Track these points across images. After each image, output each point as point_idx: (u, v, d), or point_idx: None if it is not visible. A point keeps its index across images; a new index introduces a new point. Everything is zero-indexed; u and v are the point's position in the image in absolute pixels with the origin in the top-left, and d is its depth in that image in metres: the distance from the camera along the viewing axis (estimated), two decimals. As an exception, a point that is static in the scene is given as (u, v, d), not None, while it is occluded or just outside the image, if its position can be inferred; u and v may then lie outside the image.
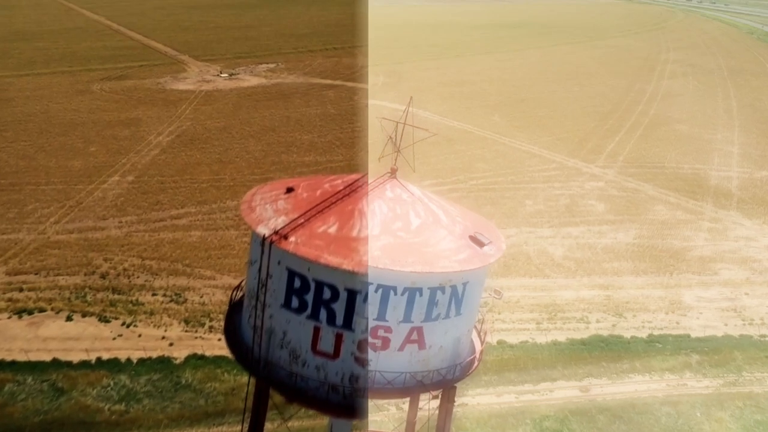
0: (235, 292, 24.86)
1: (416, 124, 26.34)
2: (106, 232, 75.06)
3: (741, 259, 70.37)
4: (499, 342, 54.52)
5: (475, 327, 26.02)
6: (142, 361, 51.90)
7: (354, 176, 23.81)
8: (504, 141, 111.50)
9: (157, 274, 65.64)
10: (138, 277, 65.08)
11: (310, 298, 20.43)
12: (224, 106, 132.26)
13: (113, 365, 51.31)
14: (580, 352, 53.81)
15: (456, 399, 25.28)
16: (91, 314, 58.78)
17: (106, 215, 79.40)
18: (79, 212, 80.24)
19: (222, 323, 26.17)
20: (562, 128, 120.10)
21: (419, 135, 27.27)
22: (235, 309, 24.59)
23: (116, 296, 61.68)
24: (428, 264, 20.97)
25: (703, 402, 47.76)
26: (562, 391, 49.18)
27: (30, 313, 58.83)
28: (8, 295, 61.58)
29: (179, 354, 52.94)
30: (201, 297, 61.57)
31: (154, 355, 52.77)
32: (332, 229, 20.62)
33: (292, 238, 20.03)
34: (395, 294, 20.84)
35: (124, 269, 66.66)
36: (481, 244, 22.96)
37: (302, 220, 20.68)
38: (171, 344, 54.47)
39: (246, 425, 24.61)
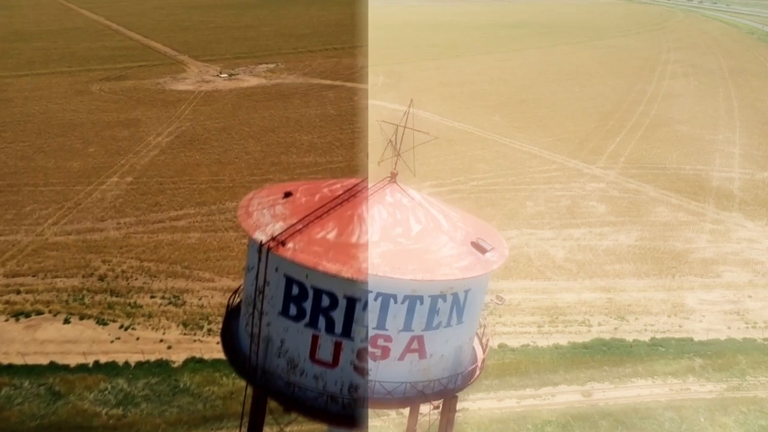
0: (232, 298, 24.40)
1: (416, 127, 25.88)
2: (104, 233, 74.58)
3: (743, 261, 69.88)
4: (500, 345, 54.03)
5: (477, 334, 25.59)
6: (140, 365, 51.40)
7: (353, 180, 23.34)
8: (504, 142, 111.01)
9: (155, 276, 65.14)
10: (136, 279, 64.59)
11: (308, 305, 19.98)
12: (224, 107, 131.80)
13: (111, 369, 50.82)
14: (582, 356, 53.31)
15: (457, 406, 24.83)
16: (89, 317, 58.28)
17: (105, 216, 78.90)
18: (77, 213, 79.76)
19: (221, 326, 25.69)
20: (563, 129, 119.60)
21: (420, 138, 26.80)
22: (232, 315, 24.14)
23: (114, 298, 61.20)
24: (429, 271, 20.51)
25: (707, 407, 47.25)
26: (564, 396, 48.69)
27: (27, 315, 58.34)
28: (5, 297, 61.09)
29: (177, 357, 52.44)
30: (200, 299, 61.08)
31: (152, 358, 52.26)
32: (331, 235, 20.16)
33: (289, 245, 19.57)
34: (395, 302, 20.39)
35: (123, 271, 66.18)
36: (483, 251, 22.50)
37: (300, 226, 20.22)
38: (169, 347, 53.97)
39: (244, 430, 24.19)
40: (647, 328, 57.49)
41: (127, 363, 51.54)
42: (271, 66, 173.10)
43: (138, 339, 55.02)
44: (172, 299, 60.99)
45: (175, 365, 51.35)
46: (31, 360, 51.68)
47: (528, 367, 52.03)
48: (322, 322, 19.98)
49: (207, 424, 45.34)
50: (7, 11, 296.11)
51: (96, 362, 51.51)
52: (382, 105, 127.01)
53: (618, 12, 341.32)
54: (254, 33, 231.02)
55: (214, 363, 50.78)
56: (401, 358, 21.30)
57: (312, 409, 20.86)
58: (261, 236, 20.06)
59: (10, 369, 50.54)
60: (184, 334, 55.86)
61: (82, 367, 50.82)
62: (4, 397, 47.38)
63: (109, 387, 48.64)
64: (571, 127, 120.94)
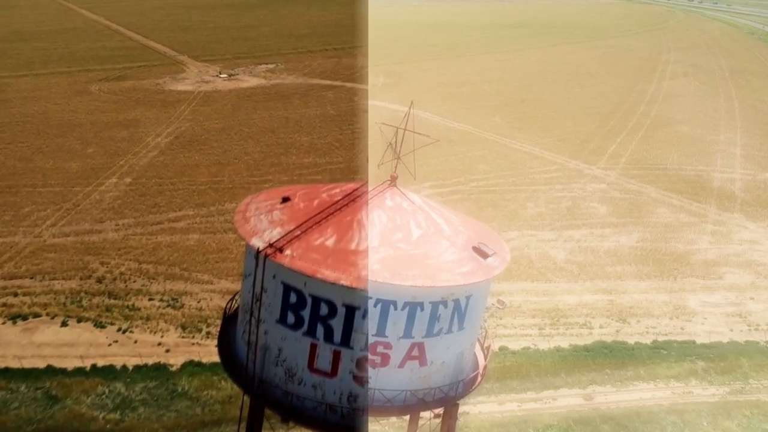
0: (229, 305, 23.98)
1: (417, 128, 25.47)
2: (102, 235, 74.14)
3: (745, 263, 69.49)
4: (501, 348, 53.60)
5: (478, 339, 25.18)
6: (137, 368, 50.98)
7: (353, 185, 22.93)
8: (505, 142, 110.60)
9: (154, 279, 64.72)
10: (135, 282, 64.16)
11: (306, 313, 19.56)
12: (223, 107, 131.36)
13: (108, 372, 50.40)
14: (583, 359, 52.90)
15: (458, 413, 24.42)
16: (87, 319, 57.86)
17: (103, 218, 78.47)
18: (75, 215, 79.33)
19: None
20: (563, 129, 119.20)
21: (420, 141, 26.37)
22: (229, 322, 23.71)
23: (112, 301, 60.76)
24: (430, 277, 20.11)
25: (710, 410, 46.85)
26: (565, 400, 48.28)
27: (25, 318, 57.92)
28: (3, 300, 60.66)
29: (176, 361, 52.02)
30: (198, 302, 60.66)
31: (150, 361, 51.84)
32: (330, 242, 19.74)
33: (287, 251, 19.15)
34: (395, 309, 19.99)
35: (121, 273, 65.75)
36: (484, 255, 22.10)
37: (298, 232, 19.81)
38: (167, 351, 53.54)
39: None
40: (649, 330, 57.09)
41: (124, 366, 51.12)
42: (271, 66, 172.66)
43: (136, 342, 54.59)
44: (171, 302, 60.57)
45: (173, 369, 50.94)
46: (28, 363, 51.25)
47: (529, 370, 51.62)
48: (320, 330, 19.57)
49: (205, 429, 44.92)
50: (7, 11, 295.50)
51: (93, 366, 51.07)
52: (382, 105, 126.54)
53: (618, 12, 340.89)
54: (254, 33, 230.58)
55: (213, 366, 50.29)
56: (401, 365, 20.90)
57: (310, 419, 20.45)
58: (258, 243, 19.65)
59: (6, 373, 50.12)
60: (183, 337, 55.45)
61: (79, 371, 50.39)
62: (0, 402, 46.93)
63: (107, 391, 48.22)
64: (572, 127, 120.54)
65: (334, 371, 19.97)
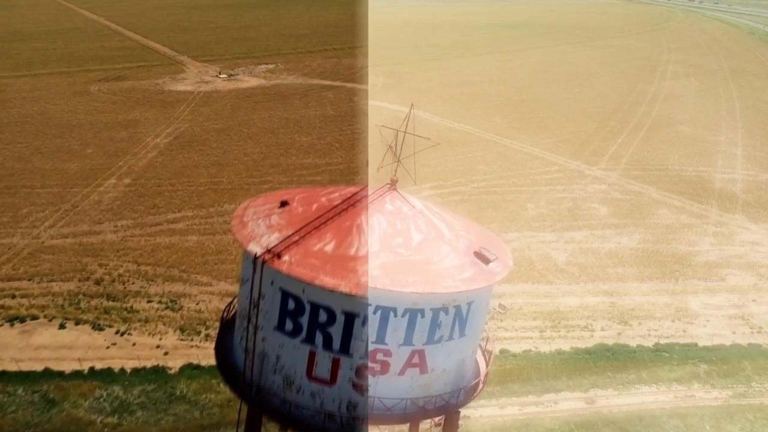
0: (226, 311, 23.61)
1: (417, 129, 25.09)
2: (101, 236, 73.74)
3: (747, 265, 69.11)
4: (502, 351, 53.17)
5: (480, 346, 24.81)
6: (136, 371, 50.57)
7: (352, 189, 22.56)
8: (505, 143, 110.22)
9: (152, 280, 64.32)
10: (133, 284, 63.77)
11: (305, 321, 19.18)
12: (223, 108, 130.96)
13: (106, 375, 49.99)
14: (584, 362, 52.52)
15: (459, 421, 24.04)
16: (85, 322, 57.44)
17: (102, 219, 78.06)
18: (74, 216, 78.94)
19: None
20: (564, 130, 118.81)
21: (421, 144, 25.97)
22: (227, 328, 23.33)
23: (111, 303, 60.36)
24: (430, 284, 19.74)
25: (713, 414, 46.48)
26: (566, 403, 47.89)
27: (22, 320, 57.51)
28: (0, 302, 60.24)
29: (174, 363, 51.62)
30: (197, 304, 60.27)
31: (149, 364, 51.44)
32: (329, 247, 19.36)
33: (285, 257, 18.77)
34: (395, 315, 19.62)
35: (119, 275, 65.35)
36: (486, 261, 21.73)
37: (297, 237, 19.43)
38: (166, 353, 53.14)
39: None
40: (651, 333, 56.71)
41: (122, 369, 50.71)
42: (271, 66, 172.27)
43: (134, 345, 54.20)
44: (169, 304, 60.19)
45: (172, 372, 50.54)
46: (25, 366, 50.86)
47: (530, 374, 51.23)
48: (319, 338, 19.19)
49: (204, 433, 44.55)
50: (7, 11, 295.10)
51: (91, 369, 50.67)
52: (382, 106, 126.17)
53: (618, 12, 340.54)
54: (254, 33, 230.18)
55: (212, 370, 49.83)
56: (401, 373, 20.53)
57: (309, 428, 20.07)
58: (256, 248, 19.27)
59: (3, 376, 49.70)
60: (181, 339, 55.05)
61: (77, 374, 49.98)
62: (-3, 405, 46.60)
63: (105, 394, 47.82)
64: (572, 128, 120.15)
65: (333, 379, 19.60)
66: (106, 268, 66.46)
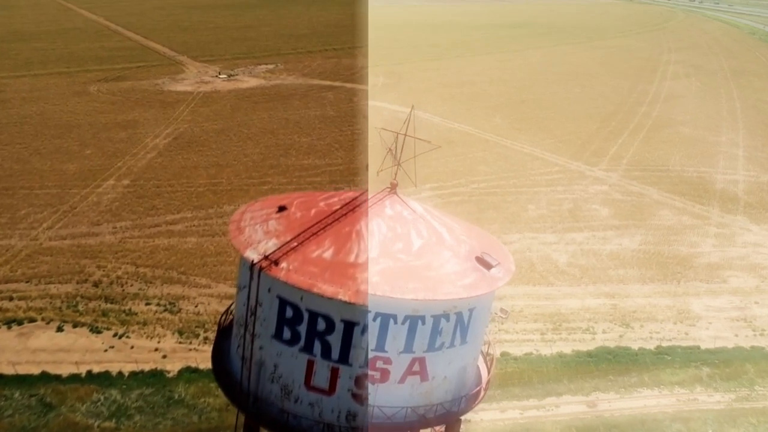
0: (224, 317, 23.20)
1: (417, 130, 24.68)
2: (99, 238, 73.32)
3: (750, 266, 68.68)
4: (503, 354, 52.77)
5: (482, 352, 24.41)
6: (133, 375, 50.15)
7: (351, 193, 22.16)
8: (505, 143, 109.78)
9: (151, 283, 63.90)
10: (131, 286, 63.36)
11: (303, 329, 18.77)
12: (222, 108, 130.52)
13: (104, 379, 49.57)
14: (586, 365, 52.08)
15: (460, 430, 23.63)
16: (83, 324, 57.02)
17: (101, 220, 77.65)
18: (72, 217, 78.53)
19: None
20: (564, 130, 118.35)
21: (421, 147, 25.54)
22: (224, 335, 22.92)
23: (109, 305, 59.95)
24: (431, 290, 19.34)
25: (715, 418, 46.06)
26: (568, 407, 47.47)
27: (20, 323, 57.09)
28: (-2, 304, 59.92)
29: (172, 367, 51.19)
30: (196, 306, 59.85)
31: (147, 368, 51.02)
32: (327, 254, 18.95)
33: (283, 264, 18.36)
34: (395, 323, 19.21)
35: (118, 277, 64.94)
36: (488, 266, 21.33)
37: (295, 244, 19.03)
38: (164, 356, 52.72)
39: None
40: (653, 335, 56.25)
41: (120, 373, 50.29)
42: (271, 67, 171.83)
43: (132, 348, 53.79)
44: (168, 306, 59.76)
45: (170, 375, 50.12)
46: (22, 370, 50.45)
47: (531, 377, 50.81)
48: (317, 346, 18.79)
49: (202, 437, 44.14)
50: (7, 11, 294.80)
51: (89, 372, 50.25)
52: (382, 106, 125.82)
53: (618, 12, 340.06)
54: (253, 33, 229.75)
55: (210, 373, 49.19)
56: (401, 381, 20.14)
57: (307, 438, 19.65)
58: (253, 255, 18.86)
59: (0, 379, 49.29)
60: (180, 342, 54.63)
61: (74, 378, 49.56)
62: (-6, 409, 46.20)
63: (102, 398, 47.40)
64: (573, 128, 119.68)
65: (331, 389, 19.20)
66: (104, 270, 66.05)
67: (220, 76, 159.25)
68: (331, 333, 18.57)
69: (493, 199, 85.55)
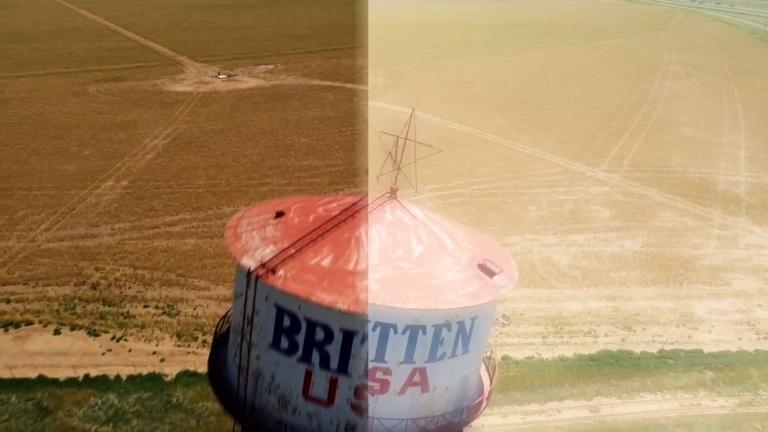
0: (220, 324, 22.72)
1: (417, 131, 24.20)
2: (98, 239, 72.86)
3: (753, 269, 68.20)
4: (504, 357, 52.36)
5: (484, 361, 23.94)
6: (131, 378, 49.69)
7: (350, 198, 21.68)
8: (506, 144, 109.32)
9: (149, 285, 63.44)
10: (130, 288, 62.88)
11: (301, 338, 18.29)
12: (222, 109, 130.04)
13: (101, 383, 49.11)
14: (588, 369, 51.61)
15: None
16: (80, 327, 56.58)
17: (99, 222, 77.18)
18: (71, 219, 78.07)
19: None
20: (565, 130, 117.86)
21: (421, 150, 25.04)
22: (220, 343, 22.44)
23: (107, 308, 59.49)
24: (432, 299, 18.85)
25: (719, 423, 45.59)
26: (570, 412, 47.00)
27: (17, 326, 56.64)
28: (-5, 307, 59.46)
29: (170, 370, 50.73)
30: (194, 309, 59.39)
31: (145, 371, 50.56)
32: (326, 261, 18.47)
33: (280, 272, 17.89)
34: (395, 332, 18.73)
35: (116, 279, 64.47)
36: (491, 274, 20.84)
37: (292, 251, 18.56)
38: (162, 360, 52.27)
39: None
40: (655, 339, 55.78)
41: (118, 377, 49.85)
42: (270, 67, 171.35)
43: (130, 351, 53.33)
44: (166, 309, 59.29)
45: (168, 379, 49.66)
46: (19, 373, 49.98)
47: (533, 381, 50.34)
48: (316, 356, 18.30)
49: (200, 442, 43.69)
50: (6, 11, 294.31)
51: (86, 376, 49.80)
52: (382, 106, 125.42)
53: (618, 12, 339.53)
54: (253, 33, 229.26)
55: (208, 377, 48.96)
56: (402, 392, 19.64)
57: (305, 450, 19.17)
58: (249, 262, 18.38)
59: (-3, 383, 48.92)
60: (178, 345, 54.16)
61: (71, 381, 49.10)
62: (-10, 414, 45.74)
63: (99, 402, 46.94)
64: (574, 128, 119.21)
65: (330, 400, 18.72)
66: (102, 272, 65.59)
67: (220, 77, 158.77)
68: (329, 343, 18.10)
69: (494, 200, 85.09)
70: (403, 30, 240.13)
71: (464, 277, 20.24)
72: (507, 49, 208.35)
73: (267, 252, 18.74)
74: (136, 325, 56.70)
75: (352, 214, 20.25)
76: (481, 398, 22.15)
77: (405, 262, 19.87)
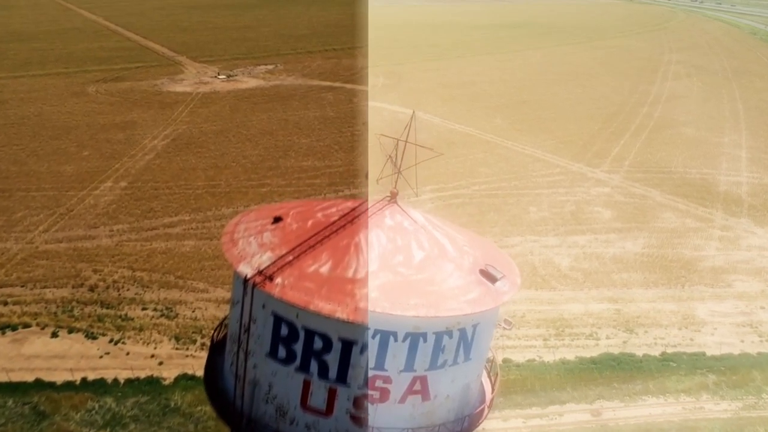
0: (217, 332, 22.31)
1: (418, 133, 23.78)
2: (96, 241, 72.48)
3: (755, 270, 67.77)
4: (505, 360, 51.93)
5: (485, 368, 23.53)
6: (129, 382, 49.32)
7: (350, 203, 21.26)
8: (506, 144, 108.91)
9: (147, 287, 63.06)
10: (128, 290, 62.51)
11: (299, 348, 17.86)
12: (221, 109, 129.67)
13: (99, 386, 48.73)
14: (590, 372, 51.22)
15: None
16: (78, 330, 56.23)
17: (97, 223, 76.82)
18: (69, 220, 77.69)
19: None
20: (566, 131, 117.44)
21: (422, 152, 24.63)
22: (217, 350, 22.04)
23: (105, 310, 59.12)
24: (433, 306, 18.42)
25: (722, 427, 45.18)
26: (572, 415, 46.60)
27: (14, 328, 56.30)
28: (-8, 309, 59.06)
29: (169, 374, 50.37)
30: (193, 311, 59.00)
31: (142, 375, 50.20)
32: (324, 269, 18.05)
33: (278, 280, 17.47)
34: (395, 340, 18.31)
35: (114, 281, 64.10)
36: (493, 280, 20.41)
37: (290, 258, 18.14)
38: (160, 363, 51.90)
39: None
40: (657, 341, 55.38)
41: (116, 380, 49.47)
42: (270, 67, 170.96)
43: (128, 354, 52.95)
44: (165, 311, 58.92)
45: (166, 382, 49.28)
46: (15, 377, 49.62)
47: (534, 384, 49.96)
48: (314, 366, 17.87)
49: (198, 447, 43.31)
50: (6, 11, 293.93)
51: (83, 379, 49.41)
52: (381, 107, 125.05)
53: (619, 12, 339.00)
54: (253, 34, 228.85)
55: (207, 380, 48.59)
56: (402, 400, 19.22)
57: (303, 461, 18.76)
58: (246, 269, 17.96)
59: (-6, 387, 48.53)
60: (176, 348, 53.80)
61: (68, 385, 48.73)
62: (-14, 418, 45.35)
63: (97, 406, 46.55)
64: (574, 129, 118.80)
65: (329, 410, 18.29)
66: (100, 274, 65.22)
67: (220, 77, 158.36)
68: (328, 352, 17.68)
69: (495, 201, 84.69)
70: (403, 30, 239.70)
71: (466, 283, 19.82)
72: (507, 49, 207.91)
73: (264, 259, 18.33)
74: (134, 328, 56.34)
75: (352, 219, 19.84)
76: (482, 406, 21.74)
77: (405, 268, 19.45)
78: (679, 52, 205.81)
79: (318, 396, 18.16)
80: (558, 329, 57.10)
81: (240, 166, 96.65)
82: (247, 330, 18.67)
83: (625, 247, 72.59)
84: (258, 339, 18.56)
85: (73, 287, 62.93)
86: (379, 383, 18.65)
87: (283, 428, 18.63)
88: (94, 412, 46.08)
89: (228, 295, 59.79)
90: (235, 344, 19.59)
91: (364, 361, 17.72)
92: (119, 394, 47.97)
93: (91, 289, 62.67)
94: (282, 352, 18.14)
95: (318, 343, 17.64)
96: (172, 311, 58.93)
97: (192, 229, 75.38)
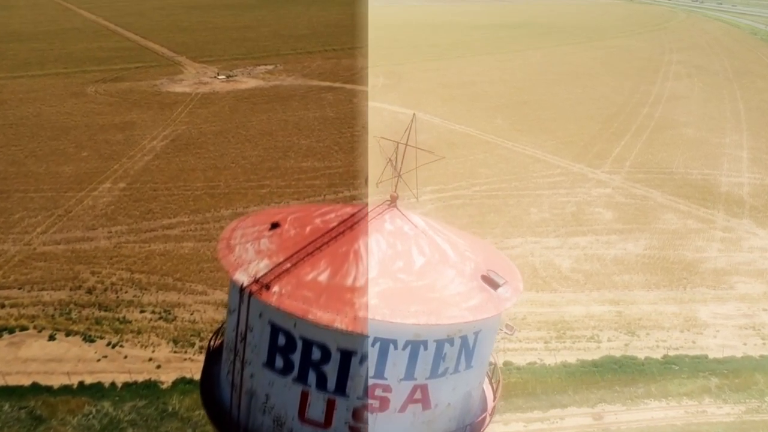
0: (214, 339, 21.88)
1: (419, 137, 23.35)
2: (94, 243, 72.10)
3: (757, 272, 67.36)
4: (506, 363, 51.55)
5: (487, 374, 23.08)
6: (127, 386, 48.95)
7: (349, 208, 20.82)
8: (507, 145, 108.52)
9: (146, 289, 62.66)
10: (126, 292, 62.12)
11: (296, 358, 17.39)
12: (221, 109, 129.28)
13: (96, 390, 48.34)
14: (591, 375, 50.83)
15: None
16: (76, 333, 55.83)
17: (96, 225, 76.43)
18: (67, 221, 77.31)
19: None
20: (566, 131, 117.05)
21: (423, 155, 24.22)
22: (213, 358, 21.59)
23: (102, 313, 58.72)
24: (434, 313, 17.95)
25: (725, 431, 44.76)
26: (573, 419, 46.21)
27: (11, 331, 55.89)
28: (-11, 312, 58.66)
29: (167, 377, 49.98)
30: (191, 314, 58.59)
31: (140, 378, 49.80)
32: (323, 277, 17.59)
33: (275, 288, 17.02)
34: (395, 348, 17.83)
35: (112, 283, 63.71)
36: (495, 286, 19.94)
37: (288, 265, 17.69)
38: (158, 366, 51.51)
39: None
40: (659, 344, 54.98)
41: (113, 384, 49.07)
42: (270, 67, 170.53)
43: (126, 357, 52.55)
44: (163, 314, 58.51)
45: (164, 386, 48.90)
46: (12, 380, 49.24)
47: (535, 387, 49.58)
48: (312, 377, 17.41)
49: (196, 452, 42.93)
50: (5, 11, 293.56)
51: (81, 383, 49.02)
52: (381, 107, 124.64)
53: (619, 12, 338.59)
54: (253, 34, 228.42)
55: (205, 384, 48.18)
56: (402, 409, 18.74)
57: (301, 473, 18.32)
58: (242, 278, 17.51)
59: (-10, 391, 48.13)
60: (175, 351, 53.40)
61: (65, 389, 48.35)
62: (-18, 422, 44.98)
63: (94, 411, 46.16)
64: (575, 129, 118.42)
65: (327, 422, 17.83)
66: (98, 276, 64.82)
67: (219, 77, 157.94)
68: (326, 363, 17.22)
69: (495, 202, 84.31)
70: (403, 30, 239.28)
71: (467, 289, 19.35)
72: (507, 49, 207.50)
73: (261, 266, 17.88)
74: (132, 331, 55.94)
75: (351, 225, 19.40)
76: (484, 415, 21.30)
77: (405, 274, 18.99)
78: (680, 52, 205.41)
79: (316, 407, 17.71)
80: (559, 332, 56.71)
81: (239, 167, 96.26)
82: (244, 339, 18.23)
83: (626, 249, 72.20)
84: (255, 348, 18.11)
85: (70, 289, 62.56)
86: (378, 392, 18.19)
87: (281, 439, 18.21)
88: (91, 416, 45.70)
89: (227, 297, 59.55)
90: (231, 353, 19.15)
91: (364, 372, 17.28)
92: (117, 398, 47.58)
93: (89, 291, 62.29)
94: (279, 362, 17.69)
95: (316, 354, 17.19)
96: (170, 314, 58.53)
97: (191, 230, 75.00)
